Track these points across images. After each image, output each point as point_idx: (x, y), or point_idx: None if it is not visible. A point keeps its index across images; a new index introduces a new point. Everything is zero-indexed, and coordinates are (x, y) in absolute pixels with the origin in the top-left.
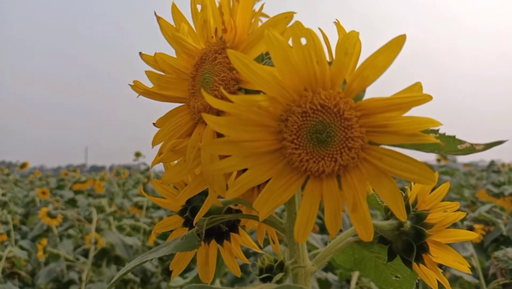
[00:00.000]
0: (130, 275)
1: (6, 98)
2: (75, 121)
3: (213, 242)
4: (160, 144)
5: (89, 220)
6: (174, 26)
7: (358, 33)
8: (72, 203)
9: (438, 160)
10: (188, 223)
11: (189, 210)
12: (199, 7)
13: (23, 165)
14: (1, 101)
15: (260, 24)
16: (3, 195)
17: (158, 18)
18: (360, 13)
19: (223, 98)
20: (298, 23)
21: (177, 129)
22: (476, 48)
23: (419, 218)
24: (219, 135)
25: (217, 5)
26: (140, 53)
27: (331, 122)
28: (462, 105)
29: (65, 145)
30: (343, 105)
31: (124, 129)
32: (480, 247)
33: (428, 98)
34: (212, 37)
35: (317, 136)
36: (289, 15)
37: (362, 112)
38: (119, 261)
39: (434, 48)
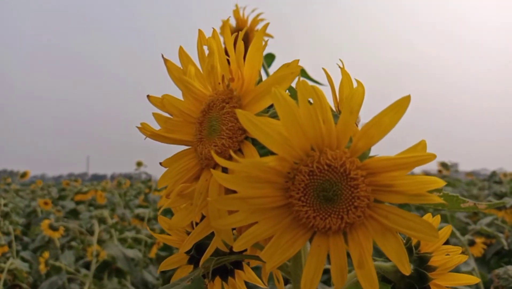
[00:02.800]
0: (131, 288)
1: (7, 107)
2: (77, 130)
3: (217, 278)
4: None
5: (91, 232)
6: (181, 68)
7: (364, 89)
8: (73, 213)
9: (440, 171)
10: (193, 260)
11: (195, 248)
12: (205, 47)
13: (24, 174)
14: (2, 110)
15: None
16: (5, 205)
17: (166, 61)
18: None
19: (229, 147)
20: (304, 83)
21: (184, 173)
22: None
23: (422, 261)
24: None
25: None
26: (148, 96)
27: (338, 181)
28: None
29: (66, 153)
30: (349, 165)
31: (125, 137)
32: (482, 260)
33: (432, 157)
34: (219, 83)
35: (324, 194)
36: (296, 70)
37: (367, 171)
38: (120, 274)
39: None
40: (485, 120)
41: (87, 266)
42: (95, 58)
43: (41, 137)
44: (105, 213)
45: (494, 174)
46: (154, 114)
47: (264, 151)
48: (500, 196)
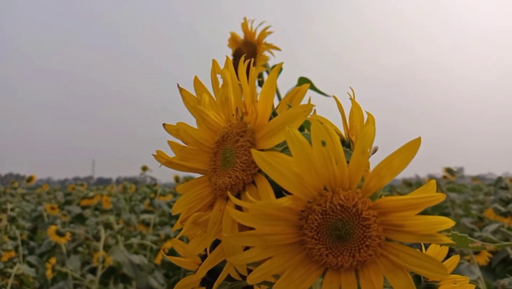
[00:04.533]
0: None
1: (13, 110)
2: (82, 134)
3: None
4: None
5: (97, 238)
6: (196, 97)
7: (374, 127)
8: (80, 218)
9: (445, 177)
10: (205, 283)
11: (207, 271)
12: (219, 76)
13: (30, 179)
14: (9, 114)
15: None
16: (12, 210)
17: (181, 90)
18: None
19: (243, 180)
20: (317, 124)
21: (198, 201)
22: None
23: None
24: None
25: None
26: (163, 124)
27: (350, 221)
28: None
29: (72, 157)
30: (361, 206)
31: (130, 141)
32: (487, 268)
33: (442, 197)
34: (233, 115)
35: (336, 233)
36: (309, 108)
37: (379, 211)
38: (126, 280)
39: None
40: (491, 125)
41: (93, 271)
42: (102, 64)
43: (47, 140)
44: (111, 218)
45: (500, 179)
46: (169, 142)
47: (277, 185)
48: (506, 202)
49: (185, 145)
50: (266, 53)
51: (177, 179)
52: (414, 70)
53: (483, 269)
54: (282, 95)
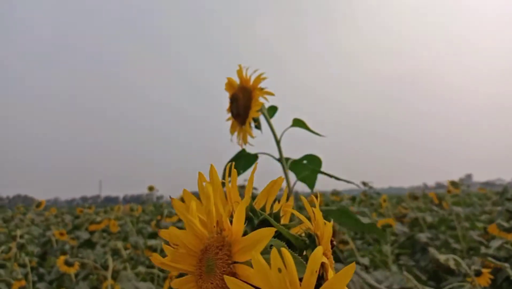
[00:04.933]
0: None
1: (20, 131)
2: (89, 154)
3: None
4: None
5: (105, 267)
6: (185, 205)
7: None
8: (88, 244)
9: (449, 191)
10: None
11: None
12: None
13: (39, 204)
14: (15, 135)
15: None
16: (21, 236)
17: (172, 200)
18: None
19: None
20: (275, 253)
21: None
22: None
23: None
24: None
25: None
26: (159, 230)
27: None
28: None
29: (79, 176)
30: None
31: (136, 159)
32: (493, 284)
33: None
34: (214, 226)
35: None
36: (271, 232)
37: None
38: None
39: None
40: (499, 131)
41: None
42: (107, 80)
43: (54, 161)
44: (119, 244)
45: (505, 190)
46: (164, 246)
47: None
48: None
49: (176, 248)
50: (261, 99)
51: (182, 199)
52: (416, 80)
53: (488, 287)
54: (278, 133)
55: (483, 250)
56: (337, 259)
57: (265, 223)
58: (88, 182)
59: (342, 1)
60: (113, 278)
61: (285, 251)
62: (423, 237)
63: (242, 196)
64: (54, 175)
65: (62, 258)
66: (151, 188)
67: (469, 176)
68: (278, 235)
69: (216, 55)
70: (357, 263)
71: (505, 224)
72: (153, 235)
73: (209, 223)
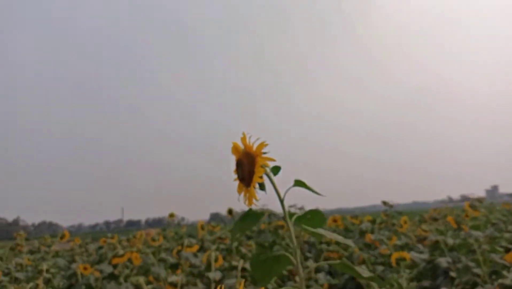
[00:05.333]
0: None
1: (43, 158)
2: (111, 178)
3: None
4: None
5: None
6: None
7: None
8: (112, 277)
9: (467, 216)
10: None
11: None
12: None
13: (63, 236)
14: (38, 162)
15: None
16: (47, 271)
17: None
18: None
19: None
20: None
21: None
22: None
23: None
24: None
25: None
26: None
27: None
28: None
29: (101, 202)
30: None
31: (157, 184)
32: None
33: None
34: None
35: None
36: None
37: None
38: None
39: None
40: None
41: None
42: (129, 104)
43: (76, 186)
44: (141, 279)
45: None
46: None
47: None
48: None
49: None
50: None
51: (202, 227)
52: (439, 88)
53: None
54: (281, 191)
55: (504, 275)
56: (357, 287)
57: None
58: (110, 207)
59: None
60: None
61: None
62: (443, 262)
63: None
64: (77, 200)
65: None
66: (171, 215)
67: (495, 188)
68: None
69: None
70: None
71: None
72: (175, 266)
73: None
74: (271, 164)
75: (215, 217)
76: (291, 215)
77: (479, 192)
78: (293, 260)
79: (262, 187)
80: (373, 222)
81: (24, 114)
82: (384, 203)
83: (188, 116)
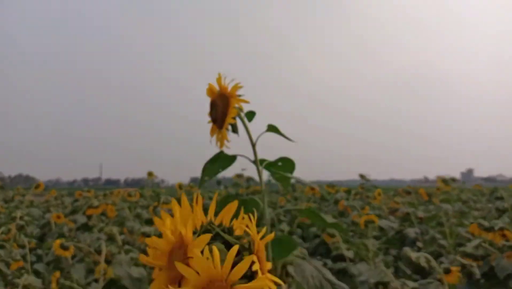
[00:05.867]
0: None
1: (20, 111)
2: (90, 136)
3: None
4: None
5: (99, 252)
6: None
7: None
8: (85, 227)
9: (438, 189)
10: None
11: None
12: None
13: (38, 186)
14: (19, 115)
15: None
16: (21, 218)
17: (155, 220)
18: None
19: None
20: (206, 249)
21: (164, 282)
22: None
23: None
24: None
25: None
26: (154, 218)
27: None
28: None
29: (80, 159)
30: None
31: (138, 142)
32: (470, 282)
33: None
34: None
35: None
36: (207, 238)
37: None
38: None
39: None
40: (502, 126)
41: (97, 280)
42: (107, 62)
43: (56, 141)
44: (114, 229)
45: (495, 189)
46: (148, 249)
47: None
48: (502, 210)
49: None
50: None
51: (180, 186)
52: (422, 71)
53: (468, 283)
54: (254, 137)
55: (461, 248)
56: (327, 251)
57: (219, 234)
58: (89, 164)
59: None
60: (107, 262)
61: (214, 247)
62: (411, 232)
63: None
64: (56, 156)
65: (58, 242)
66: (150, 174)
67: (470, 171)
68: (225, 242)
69: (228, 45)
70: (342, 255)
71: (485, 224)
72: (150, 221)
73: (175, 233)
74: (246, 109)
75: (195, 180)
76: (262, 161)
77: (455, 174)
78: (260, 203)
79: (234, 129)
80: (348, 192)
81: (6, 67)
82: (361, 176)
83: (169, 82)
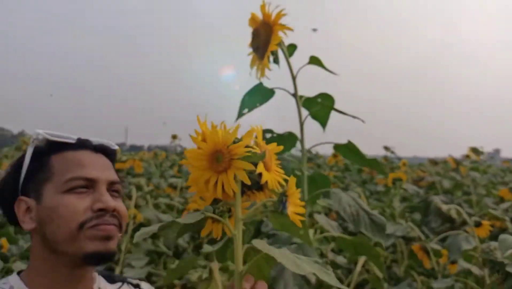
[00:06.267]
0: (163, 248)
1: (46, 75)
2: (116, 101)
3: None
4: None
5: (129, 197)
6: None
7: None
8: None
9: (467, 156)
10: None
11: None
12: None
13: None
14: (45, 84)
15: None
16: None
17: (193, 139)
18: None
19: None
20: None
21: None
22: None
23: None
24: None
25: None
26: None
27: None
28: None
29: (105, 122)
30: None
31: (162, 111)
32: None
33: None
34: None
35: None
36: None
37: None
38: (154, 236)
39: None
40: None
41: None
42: (137, 26)
43: (80, 104)
44: (142, 181)
45: None
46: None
47: None
48: None
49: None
50: (280, 33)
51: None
52: (450, 45)
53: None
54: (295, 70)
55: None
56: None
57: None
58: (115, 128)
59: None
60: (136, 208)
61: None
62: (437, 199)
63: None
64: (80, 118)
65: None
66: (174, 137)
67: (497, 151)
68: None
69: None
70: None
71: None
72: (175, 178)
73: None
74: (287, 43)
75: None
76: (301, 96)
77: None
78: (298, 136)
79: (276, 59)
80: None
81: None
82: (386, 148)
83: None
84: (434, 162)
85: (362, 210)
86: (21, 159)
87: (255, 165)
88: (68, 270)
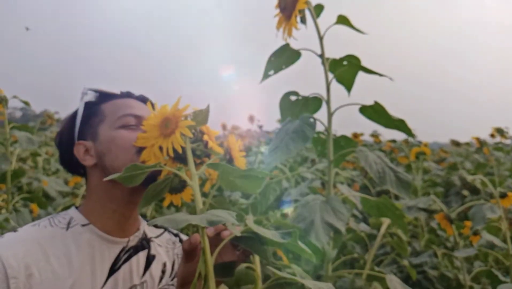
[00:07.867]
0: None
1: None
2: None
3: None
4: None
5: None
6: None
7: None
8: None
9: (492, 135)
10: None
11: None
12: None
13: None
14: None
15: None
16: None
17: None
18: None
19: None
20: None
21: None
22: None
23: None
24: None
25: None
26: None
27: None
28: None
29: None
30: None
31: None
32: None
33: None
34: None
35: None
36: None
37: None
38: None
39: None
40: None
41: None
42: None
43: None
44: None
45: None
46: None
47: None
48: None
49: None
50: None
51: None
52: (470, 34)
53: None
54: (322, 32)
55: None
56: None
57: None
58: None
59: None
60: None
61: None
62: (457, 179)
63: None
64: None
65: None
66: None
67: None
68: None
69: None
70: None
71: None
72: None
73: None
74: (314, 3)
75: None
76: (328, 58)
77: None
78: (323, 98)
79: (303, 19)
80: (393, 141)
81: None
82: None
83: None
84: (456, 143)
85: (387, 167)
86: (74, 113)
87: (202, 133)
88: (125, 200)
